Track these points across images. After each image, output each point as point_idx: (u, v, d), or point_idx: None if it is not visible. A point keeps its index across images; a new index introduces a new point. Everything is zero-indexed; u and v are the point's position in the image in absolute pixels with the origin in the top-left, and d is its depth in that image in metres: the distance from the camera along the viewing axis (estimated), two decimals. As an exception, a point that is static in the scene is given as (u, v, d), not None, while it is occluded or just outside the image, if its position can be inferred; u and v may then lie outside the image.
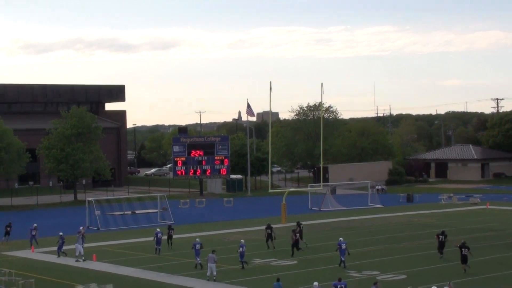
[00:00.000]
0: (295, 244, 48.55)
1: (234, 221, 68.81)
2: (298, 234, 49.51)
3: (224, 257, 46.04)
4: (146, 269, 43.91)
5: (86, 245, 50.39)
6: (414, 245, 51.11)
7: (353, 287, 36.14)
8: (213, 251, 41.28)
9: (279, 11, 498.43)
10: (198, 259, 43.14)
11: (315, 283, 31.20)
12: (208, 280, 39.94)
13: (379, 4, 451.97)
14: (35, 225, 55.84)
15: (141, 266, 44.77)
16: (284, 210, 66.27)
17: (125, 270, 43.79)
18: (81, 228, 50.56)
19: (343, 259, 43.08)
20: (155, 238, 49.19)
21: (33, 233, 54.65)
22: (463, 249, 41.46)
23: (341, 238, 44.94)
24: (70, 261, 47.64)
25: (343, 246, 43.36)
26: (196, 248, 43.55)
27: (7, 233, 57.49)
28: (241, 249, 43.18)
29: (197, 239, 44.82)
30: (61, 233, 49.82)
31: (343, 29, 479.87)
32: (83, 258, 47.47)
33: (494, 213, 71.82)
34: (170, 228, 54.01)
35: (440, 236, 45.77)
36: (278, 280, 34.12)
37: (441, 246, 45.45)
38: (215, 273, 40.13)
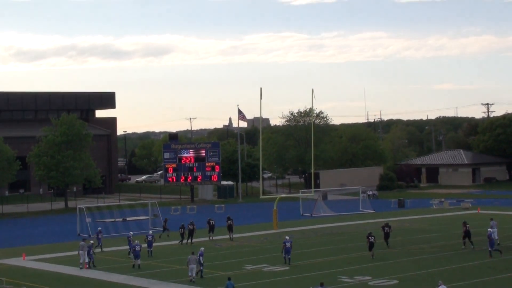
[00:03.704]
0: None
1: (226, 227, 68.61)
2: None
3: (216, 264, 46.05)
4: (137, 276, 43.79)
5: (77, 252, 50.41)
6: (405, 250, 51.12)
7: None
8: (192, 253, 42.02)
9: (272, 17, 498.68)
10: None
11: None
12: (190, 281, 40.59)
13: (372, 10, 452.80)
14: (99, 228, 57.55)
15: (133, 273, 44.66)
16: (276, 216, 66.21)
17: (117, 278, 43.67)
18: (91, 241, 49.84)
19: (288, 256, 45.73)
20: (134, 251, 46.88)
21: (99, 236, 55.35)
22: (370, 237, 47.97)
23: (287, 237, 47.89)
24: (61, 269, 47.50)
25: (288, 244, 45.86)
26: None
27: (165, 229, 62.16)
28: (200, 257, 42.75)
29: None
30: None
31: (336, 35, 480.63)
32: (80, 266, 47.34)
33: (485, 217, 71.73)
34: (228, 218, 60.32)
35: (385, 228, 52.00)
36: (229, 279, 35.26)
37: (386, 236, 51.79)
38: (194, 275, 41.00)
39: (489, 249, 47.04)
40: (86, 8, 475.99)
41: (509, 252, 49.07)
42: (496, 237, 51.61)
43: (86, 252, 47.42)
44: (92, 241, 49.45)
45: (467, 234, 51.03)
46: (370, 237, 48.37)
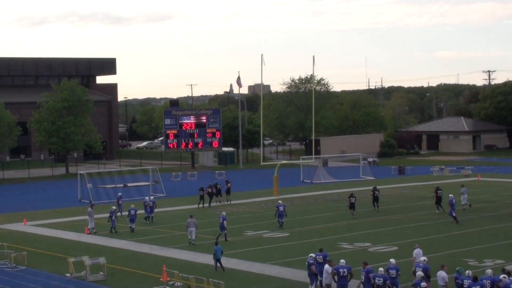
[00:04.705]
0: None
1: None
2: None
3: (217, 229, 46.13)
4: (138, 241, 43.97)
5: (78, 218, 50.55)
6: (405, 217, 51.25)
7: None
8: (191, 216, 42.53)
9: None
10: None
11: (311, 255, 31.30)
12: (190, 243, 41.28)
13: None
14: (119, 194, 57.98)
15: (134, 239, 44.83)
16: (276, 182, 66.31)
17: (118, 243, 43.85)
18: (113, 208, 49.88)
19: (282, 220, 47.37)
20: (129, 215, 47.95)
21: (120, 202, 55.40)
22: (351, 198, 50.96)
23: (280, 201, 49.42)
24: (62, 234, 47.72)
25: (281, 208, 47.40)
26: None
27: (218, 193, 60.85)
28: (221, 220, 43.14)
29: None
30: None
31: (338, 1, 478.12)
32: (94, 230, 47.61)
33: (485, 184, 71.98)
34: (227, 181, 62.40)
35: (375, 192, 54.34)
36: (216, 243, 35.61)
37: (375, 200, 54.21)
38: (194, 237, 41.72)
39: (448, 214, 48.26)
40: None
41: (510, 219, 49.24)
42: (467, 202, 53.80)
43: (92, 218, 47.60)
44: (114, 207, 49.42)
45: (438, 200, 52.58)
46: (351, 198, 51.27)
